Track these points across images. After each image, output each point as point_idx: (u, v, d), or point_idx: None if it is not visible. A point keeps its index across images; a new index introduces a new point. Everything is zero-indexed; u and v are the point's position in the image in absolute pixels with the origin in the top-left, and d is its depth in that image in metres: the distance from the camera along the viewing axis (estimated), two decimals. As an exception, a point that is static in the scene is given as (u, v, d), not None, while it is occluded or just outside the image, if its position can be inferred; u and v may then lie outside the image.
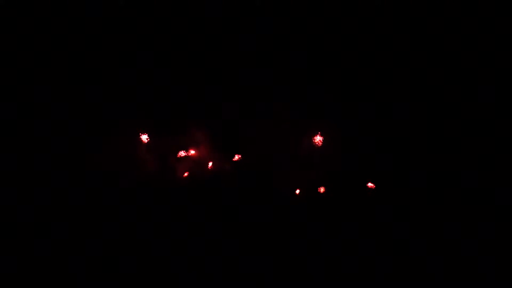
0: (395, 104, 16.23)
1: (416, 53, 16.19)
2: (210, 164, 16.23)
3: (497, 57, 15.92)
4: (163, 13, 16.21)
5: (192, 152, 16.20)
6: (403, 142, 16.14)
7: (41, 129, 15.84)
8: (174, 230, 15.92)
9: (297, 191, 16.16)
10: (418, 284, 15.41)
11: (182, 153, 16.11)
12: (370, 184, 16.03)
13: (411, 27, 16.14)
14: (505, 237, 15.37)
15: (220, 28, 16.36)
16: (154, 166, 16.06)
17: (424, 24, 16.09)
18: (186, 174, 16.24)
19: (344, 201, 16.08)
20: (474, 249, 15.46)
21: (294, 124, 16.17)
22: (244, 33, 16.36)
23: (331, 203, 16.09)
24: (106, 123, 15.96)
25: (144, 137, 16.07)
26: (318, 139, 16.11)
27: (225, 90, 16.38)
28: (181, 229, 15.93)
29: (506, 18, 15.70)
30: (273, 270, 15.69)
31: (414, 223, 15.84)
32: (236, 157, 16.23)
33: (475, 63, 16.00)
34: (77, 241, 15.55)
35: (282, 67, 16.42)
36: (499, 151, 15.84)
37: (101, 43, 16.17)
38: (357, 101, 16.29)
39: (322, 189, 16.12)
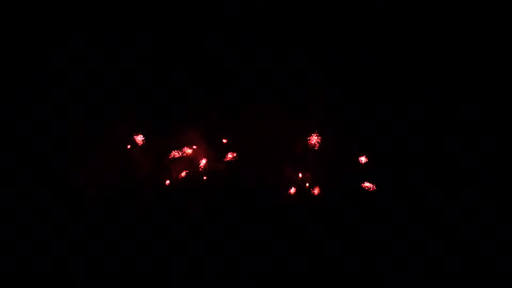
0: (395, 104, 16.24)
1: (415, 54, 16.20)
2: (203, 162, 16.24)
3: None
4: (156, 13, 16.23)
5: (188, 151, 16.23)
6: (403, 143, 16.14)
7: (40, 129, 15.89)
8: (173, 230, 15.95)
9: (292, 191, 16.16)
10: (418, 284, 15.38)
11: (175, 154, 16.13)
12: (368, 184, 16.01)
13: (410, 27, 16.14)
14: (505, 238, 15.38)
15: (217, 27, 16.38)
16: (150, 166, 16.12)
17: (423, 25, 16.12)
18: (183, 174, 16.27)
19: (343, 201, 16.09)
20: (474, 249, 15.46)
21: (290, 124, 16.18)
22: (241, 33, 16.39)
23: (329, 203, 16.10)
24: (104, 124, 16.02)
25: (140, 138, 16.13)
26: (315, 139, 16.11)
27: (219, 90, 16.39)
28: (180, 229, 15.97)
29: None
30: (273, 270, 15.72)
31: (414, 223, 15.84)
32: (230, 156, 16.23)
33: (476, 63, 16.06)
34: (77, 241, 15.61)
35: (280, 67, 16.43)
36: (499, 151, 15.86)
37: (101, 45, 16.23)
38: (356, 101, 16.31)
39: (317, 190, 16.12)
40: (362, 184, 15.96)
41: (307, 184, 16.19)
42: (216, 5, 16.32)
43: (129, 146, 16.00)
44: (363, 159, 16.05)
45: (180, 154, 16.15)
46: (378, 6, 16.01)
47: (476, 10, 15.84)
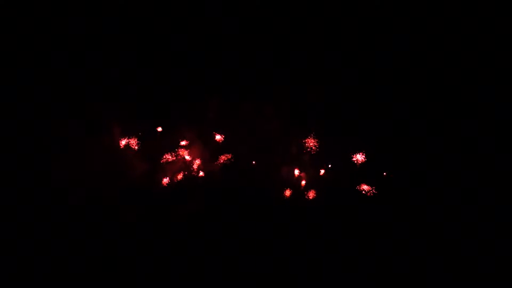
0: (394, 104, 16.27)
1: (415, 54, 16.21)
2: (197, 162, 16.27)
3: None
4: (146, 14, 16.27)
5: (181, 153, 16.28)
6: (402, 143, 16.15)
7: (40, 130, 15.93)
8: (173, 230, 15.98)
9: (288, 192, 16.18)
10: (418, 283, 15.40)
11: (169, 157, 16.19)
12: (365, 186, 16.00)
13: (410, 27, 16.15)
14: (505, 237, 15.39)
15: (215, 27, 16.40)
16: (147, 167, 16.18)
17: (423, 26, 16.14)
18: (180, 176, 16.32)
19: (341, 202, 16.11)
20: (474, 249, 15.49)
21: (290, 124, 16.20)
22: (242, 33, 16.41)
23: (327, 203, 16.12)
24: (103, 124, 16.07)
25: (136, 140, 16.20)
26: (313, 140, 16.13)
27: (218, 90, 16.41)
28: (180, 229, 15.99)
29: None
30: (273, 270, 15.75)
31: (413, 223, 15.87)
32: (224, 158, 16.26)
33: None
34: (76, 241, 15.63)
35: (280, 67, 16.45)
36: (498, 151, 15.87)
37: (101, 46, 16.29)
38: (356, 101, 16.34)
39: (313, 191, 16.14)
40: (359, 187, 15.98)
41: (303, 183, 16.22)
42: (216, 5, 16.33)
43: (123, 145, 16.05)
44: (360, 158, 16.05)
45: (174, 156, 16.21)
46: (378, 6, 16.03)
47: (476, 10, 15.88)
